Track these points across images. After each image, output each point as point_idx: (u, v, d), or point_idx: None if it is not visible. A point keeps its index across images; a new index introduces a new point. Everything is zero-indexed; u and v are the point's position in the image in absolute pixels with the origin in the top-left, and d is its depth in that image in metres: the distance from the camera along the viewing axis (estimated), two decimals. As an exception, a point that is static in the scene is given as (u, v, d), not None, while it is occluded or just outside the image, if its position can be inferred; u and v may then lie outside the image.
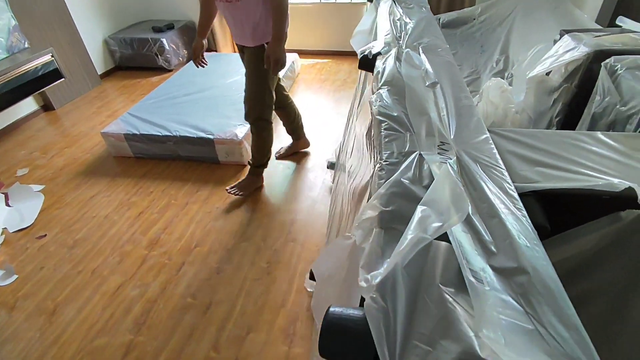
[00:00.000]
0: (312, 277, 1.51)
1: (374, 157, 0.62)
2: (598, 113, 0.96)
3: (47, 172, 2.44)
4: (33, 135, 2.83)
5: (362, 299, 0.42)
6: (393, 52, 0.84)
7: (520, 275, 0.40)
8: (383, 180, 0.50)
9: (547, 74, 1.24)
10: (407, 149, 0.56)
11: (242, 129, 2.34)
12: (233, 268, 1.70)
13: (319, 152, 2.47)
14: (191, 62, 3.42)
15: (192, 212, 2.04)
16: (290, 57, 3.42)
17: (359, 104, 1.46)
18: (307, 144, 2.51)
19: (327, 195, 2.09)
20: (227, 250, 1.79)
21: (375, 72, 0.85)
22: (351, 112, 1.72)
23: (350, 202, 0.94)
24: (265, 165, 2.14)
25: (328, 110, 2.99)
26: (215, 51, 4.06)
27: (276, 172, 2.32)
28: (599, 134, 0.73)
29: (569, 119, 1.12)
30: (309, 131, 2.69)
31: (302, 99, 3.18)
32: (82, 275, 1.72)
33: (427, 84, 0.78)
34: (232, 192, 2.10)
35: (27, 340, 1.46)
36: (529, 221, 0.47)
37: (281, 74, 1.98)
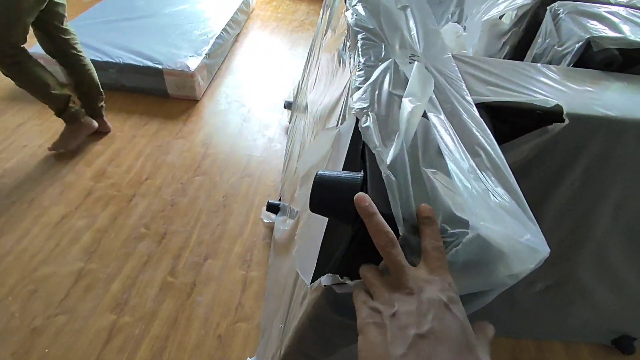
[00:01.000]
0: (268, 209, 1.55)
1: (350, 67, 0.64)
2: (538, 54, 1.07)
3: (-40, 96, 2.13)
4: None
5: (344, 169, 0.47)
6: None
7: (476, 157, 0.47)
8: (362, 79, 0.53)
9: (500, 18, 1.32)
10: (382, 55, 0.59)
11: (195, 61, 2.20)
12: (188, 201, 1.69)
13: (275, 92, 2.42)
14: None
15: (141, 145, 1.94)
16: (245, -10, 3.19)
17: (323, 35, 1.44)
18: (104, 129, 1.95)
19: (283, 135, 2.09)
20: (181, 184, 1.76)
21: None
22: (312, 49, 1.70)
23: (315, 126, 0.97)
24: (64, 110, 1.74)
25: (285, 51, 2.89)
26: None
27: (230, 110, 2.25)
28: (539, 65, 0.83)
29: (515, 59, 1.23)
30: (264, 70, 2.62)
31: (257, 37, 3.04)
32: (17, 206, 1.59)
33: (399, 6, 0.80)
34: (53, 149, 1.79)
35: (-42, 269, 1.36)
36: (481, 119, 0.54)
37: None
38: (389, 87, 0.53)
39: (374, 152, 0.41)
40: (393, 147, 0.42)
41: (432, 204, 0.38)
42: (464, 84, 0.64)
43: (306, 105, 1.47)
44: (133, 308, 1.31)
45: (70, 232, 1.51)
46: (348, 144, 0.50)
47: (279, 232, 1.41)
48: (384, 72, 0.55)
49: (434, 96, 0.54)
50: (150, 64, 2.14)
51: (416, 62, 0.60)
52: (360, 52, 0.59)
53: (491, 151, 0.47)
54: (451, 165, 0.43)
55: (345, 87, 0.65)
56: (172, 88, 2.22)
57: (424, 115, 0.50)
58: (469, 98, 0.59)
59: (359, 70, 0.55)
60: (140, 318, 1.29)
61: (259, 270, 1.46)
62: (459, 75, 0.66)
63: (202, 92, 2.31)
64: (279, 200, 1.59)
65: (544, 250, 0.37)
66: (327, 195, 0.39)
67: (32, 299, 1.31)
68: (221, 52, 2.58)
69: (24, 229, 1.51)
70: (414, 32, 0.71)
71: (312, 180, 0.40)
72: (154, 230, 1.55)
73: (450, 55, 0.71)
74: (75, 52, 1.76)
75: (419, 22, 0.77)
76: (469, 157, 0.47)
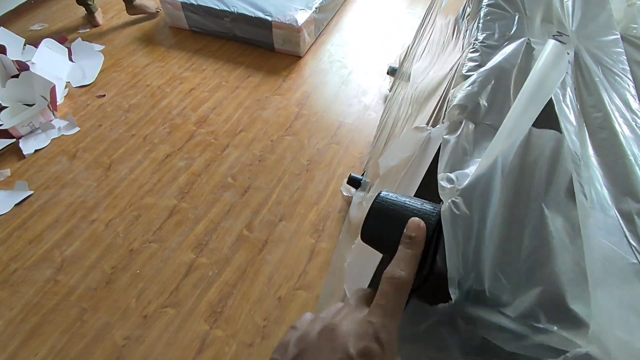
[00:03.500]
0: (349, 182, 1.48)
1: (464, 43, 0.49)
2: None
3: (106, 33, 2.44)
4: (94, -7, 2.77)
5: (419, 191, 0.36)
6: None
7: (631, 200, 0.31)
8: (475, 64, 0.39)
9: None
10: (512, 32, 0.43)
11: (304, 15, 2.13)
12: (275, 159, 1.71)
13: (381, 56, 2.24)
14: None
15: (241, 97, 2.00)
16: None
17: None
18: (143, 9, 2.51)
19: (380, 103, 1.95)
20: (271, 141, 1.78)
21: None
22: (430, 8, 1.47)
23: (412, 105, 0.84)
24: None
25: (401, 9, 2.63)
26: None
27: (331, 70, 2.16)
28: None
29: None
30: (375, 30, 2.43)
31: (374, -9, 2.80)
32: (135, 139, 1.81)
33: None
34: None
35: (85, 187, 1.62)
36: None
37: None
38: (512, 81, 0.38)
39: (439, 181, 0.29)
40: (475, 168, 0.29)
41: (534, 271, 0.25)
42: (632, 82, 0.44)
43: (409, 76, 1.30)
44: (210, 251, 1.41)
45: (172, 170, 1.67)
46: (435, 153, 0.38)
47: (354, 210, 1.34)
48: (510, 57, 0.40)
49: (574, 98, 0.38)
50: (261, 15, 2.14)
51: (556, 43, 0.42)
52: (480, 25, 0.44)
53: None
54: (587, 215, 0.28)
55: (452, 69, 0.51)
56: (278, 42, 2.20)
57: (557, 127, 0.35)
58: (637, 107, 0.41)
59: (472, 51, 0.41)
60: (215, 262, 1.38)
61: (328, 242, 1.44)
62: (627, 66, 0.46)
63: (307, 48, 2.25)
64: (362, 175, 1.51)
65: None
66: (385, 229, 0.29)
67: (135, 223, 1.50)
68: (333, 5, 2.46)
69: (137, 160, 1.71)
70: None
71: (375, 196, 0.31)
72: (239, 182, 1.62)
73: (618, 35, 0.50)
74: None
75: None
76: (622, 202, 0.31)
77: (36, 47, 2.24)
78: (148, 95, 2.03)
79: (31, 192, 1.59)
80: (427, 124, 0.51)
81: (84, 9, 2.44)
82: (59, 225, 1.49)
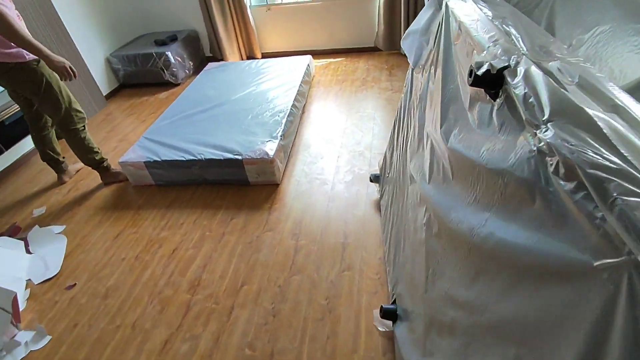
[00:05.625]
0: (384, 316, 1.33)
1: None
2: None
3: (65, 210, 2.26)
4: (43, 169, 2.64)
5: None
6: (528, 65, 0.65)
7: None
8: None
9: None
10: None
11: (272, 145, 2.15)
12: (290, 308, 1.53)
13: (354, 163, 2.28)
14: (200, 75, 3.23)
15: (231, 244, 1.86)
16: (305, 60, 3.22)
17: (421, 105, 1.26)
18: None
19: (374, 212, 1.90)
20: (279, 287, 1.61)
21: (514, 92, 0.65)
22: (407, 114, 1.53)
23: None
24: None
25: (353, 114, 2.79)
26: (222, 60, 3.86)
27: (312, 190, 2.13)
28: None
29: None
30: (338, 140, 2.52)
31: (323, 104, 2.99)
32: (122, 331, 1.54)
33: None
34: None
35: (73, 417, 1.29)
36: None
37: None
38: None
39: None
40: None
41: None
42: None
43: (412, 174, 1.28)
44: None
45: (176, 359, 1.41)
46: None
47: (408, 351, 1.17)
48: None
49: None
50: (230, 156, 2.13)
51: None
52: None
53: None
54: None
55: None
56: (252, 176, 2.17)
57: None
58: None
59: None
60: None
61: (387, 399, 1.22)
62: None
63: (281, 175, 2.24)
64: (392, 301, 1.37)
65: None
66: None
67: None
68: (292, 129, 2.54)
69: (130, 359, 1.44)
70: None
71: None
72: (260, 350, 1.40)
73: None
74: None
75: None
76: None
77: (-15, 247, 1.99)
78: (126, 270, 1.81)
79: None
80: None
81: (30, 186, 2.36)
82: None
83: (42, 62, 1.93)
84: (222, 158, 2.13)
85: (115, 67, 3.58)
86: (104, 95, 3.49)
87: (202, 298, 1.62)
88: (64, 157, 2.48)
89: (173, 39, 3.59)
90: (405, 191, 1.42)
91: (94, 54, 3.40)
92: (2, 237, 1.94)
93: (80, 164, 2.61)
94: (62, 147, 2.46)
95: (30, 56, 1.88)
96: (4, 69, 1.88)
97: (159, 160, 2.21)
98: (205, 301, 1.61)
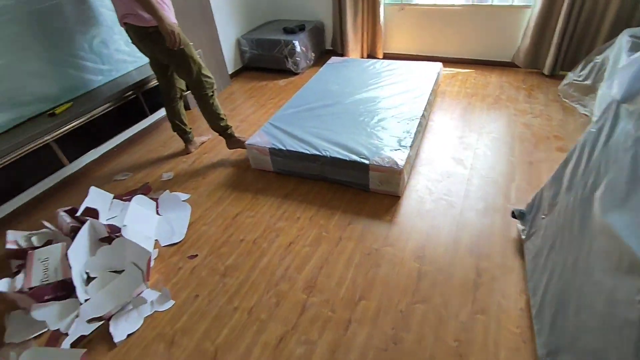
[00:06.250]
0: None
1: None
2: None
3: (189, 180, 2.39)
4: (174, 136, 2.83)
5: None
6: None
7: None
8: None
9: None
10: None
11: (401, 155, 2.02)
12: (413, 339, 1.40)
13: (486, 189, 2.06)
14: (323, 68, 3.21)
15: (348, 250, 1.79)
16: (436, 67, 3.02)
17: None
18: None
19: (514, 254, 1.68)
20: (401, 312, 1.49)
21: None
22: (602, 153, 1.29)
23: None
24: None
25: (483, 134, 2.53)
26: (342, 55, 3.82)
27: (437, 211, 1.96)
28: None
29: None
30: (467, 160, 2.30)
31: (450, 117, 2.77)
32: (239, 315, 1.55)
33: None
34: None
35: (192, 391, 1.32)
36: None
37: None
38: None
39: None
40: None
41: None
42: None
43: (607, 231, 1.06)
44: None
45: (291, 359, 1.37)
46: None
47: None
48: None
49: None
50: (356, 158, 2.05)
51: None
52: None
53: None
54: None
55: None
56: (374, 183, 2.07)
57: None
58: None
59: None
60: None
61: None
62: None
63: (404, 187, 2.11)
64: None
65: None
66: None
67: None
68: (419, 140, 2.39)
69: (246, 347, 1.43)
70: None
71: None
72: (379, 378, 1.29)
73: None
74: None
75: None
76: None
77: (122, 200, 2.18)
78: (244, 252, 1.84)
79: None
80: None
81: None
82: None
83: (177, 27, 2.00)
84: (347, 159, 2.06)
85: (243, 49, 3.73)
86: (229, 74, 3.65)
87: (318, 302, 1.56)
88: (190, 128, 2.63)
89: (301, 28, 3.62)
90: (586, 246, 1.19)
91: (227, 33, 3.57)
92: (138, 196, 2.09)
93: (205, 137, 2.76)
94: (188, 119, 2.60)
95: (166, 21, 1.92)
96: (144, 33, 2.00)
97: (284, 149, 2.21)
98: (321, 306, 1.55)
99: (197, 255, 1.85)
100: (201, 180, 2.37)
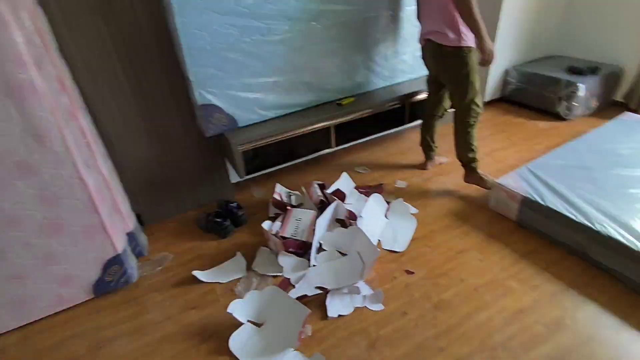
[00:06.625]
0: None
1: None
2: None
3: (420, 196, 2.40)
4: (412, 148, 2.91)
5: None
6: None
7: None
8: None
9: None
10: None
11: None
12: None
13: None
14: (610, 123, 2.63)
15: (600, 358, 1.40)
16: None
17: None
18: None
19: None
20: None
21: None
22: None
23: None
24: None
25: None
26: (635, 111, 3.03)
27: None
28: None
29: None
30: None
31: None
32: (443, 358, 1.44)
33: None
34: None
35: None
36: None
37: None
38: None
39: None
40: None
41: None
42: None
43: None
44: None
45: None
46: None
47: None
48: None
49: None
50: (646, 250, 1.57)
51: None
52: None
53: None
54: None
55: None
56: (663, 292, 1.54)
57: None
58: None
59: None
60: None
61: None
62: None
63: None
64: None
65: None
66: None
67: None
68: None
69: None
70: None
71: None
72: None
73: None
74: None
75: None
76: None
77: (359, 191, 2.38)
78: (462, 295, 1.70)
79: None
80: None
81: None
82: None
83: (472, 52, 1.98)
84: (632, 247, 1.60)
85: (509, 80, 3.47)
86: (484, 101, 3.47)
87: (545, 401, 1.28)
88: (436, 147, 2.62)
89: (594, 71, 3.06)
90: None
91: (499, 60, 3.37)
92: (376, 194, 2.24)
93: (444, 159, 2.71)
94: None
95: (464, 43, 1.95)
96: (441, 52, 2.04)
97: (542, 203, 1.91)
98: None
99: (414, 272, 1.84)
100: (431, 201, 2.34)
